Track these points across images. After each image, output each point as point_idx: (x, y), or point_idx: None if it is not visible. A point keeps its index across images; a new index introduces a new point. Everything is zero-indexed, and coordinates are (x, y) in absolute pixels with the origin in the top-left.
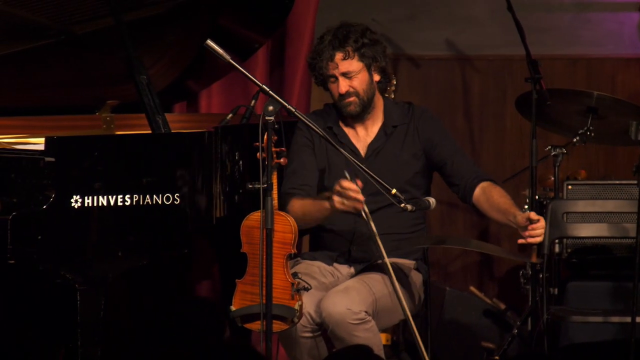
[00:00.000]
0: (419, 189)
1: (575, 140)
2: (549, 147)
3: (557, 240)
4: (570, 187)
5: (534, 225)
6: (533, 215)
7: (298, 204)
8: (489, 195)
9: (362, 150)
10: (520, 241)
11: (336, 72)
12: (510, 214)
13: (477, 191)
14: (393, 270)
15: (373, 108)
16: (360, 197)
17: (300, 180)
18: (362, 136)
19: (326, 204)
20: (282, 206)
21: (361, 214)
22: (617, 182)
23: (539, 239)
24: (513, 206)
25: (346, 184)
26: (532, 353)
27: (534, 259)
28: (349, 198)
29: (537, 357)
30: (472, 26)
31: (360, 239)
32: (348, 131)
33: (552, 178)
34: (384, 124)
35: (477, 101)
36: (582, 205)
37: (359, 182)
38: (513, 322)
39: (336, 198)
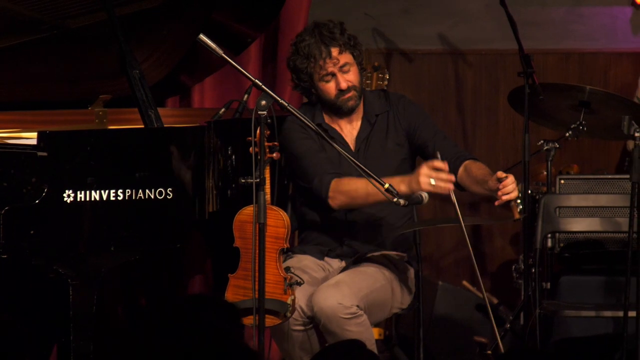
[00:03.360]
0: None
1: (567, 134)
2: (542, 141)
3: (549, 235)
4: (562, 181)
5: (504, 182)
6: (500, 173)
7: (360, 183)
8: (469, 172)
9: (351, 144)
10: (497, 203)
11: (335, 69)
12: (485, 183)
13: (460, 170)
14: (384, 262)
15: (361, 100)
16: (452, 177)
17: (332, 163)
18: (348, 130)
19: (402, 186)
20: (319, 184)
21: (450, 197)
22: (610, 176)
23: (513, 194)
24: (488, 175)
25: (438, 164)
26: (524, 347)
27: (517, 215)
28: (441, 179)
29: (530, 351)
30: (465, 20)
31: (351, 232)
32: (334, 127)
33: (545, 172)
34: (366, 114)
35: (469, 96)
36: (574, 200)
37: (446, 163)
38: (505, 317)
39: (424, 179)
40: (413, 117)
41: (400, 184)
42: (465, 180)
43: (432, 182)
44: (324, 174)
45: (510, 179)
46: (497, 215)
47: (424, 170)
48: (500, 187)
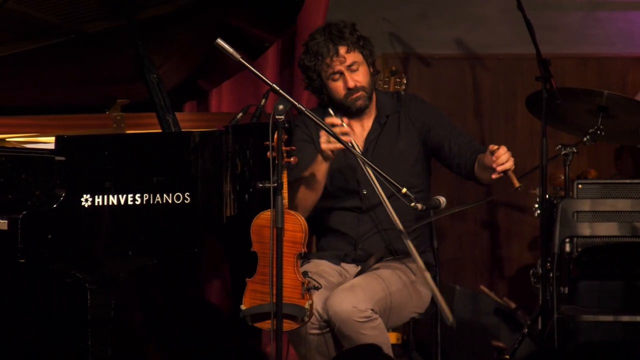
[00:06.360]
0: (419, 177)
1: (585, 139)
2: (559, 146)
3: (567, 239)
4: (580, 186)
5: (497, 154)
6: (491, 147)
7: (297, 183)
8: (478, 162)
9: (361, 145)
10: (494, 176)
11: (342, 67)
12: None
13: (475, 165)
14: (400, 267)
15: (371, 102)
16: (346, 129)
17: (302, 172)
18: (359, 132)
19: (318, 157)
20: (292, 196)
21: (350, 148)
22: (628, 181)
23: (508, 164)
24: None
25: (330, 120)
26: (542, 352)
27: (516, 184)
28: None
29: (548, 356)
30: (482, 25)
31: (365, 236)
32: None
33: (563, 177)
34: (377, 115)
35: (487, 100)
36: (592, 204)
37: (345, 119)
38: (523, 321)
39: (322, 139)
40: (426, 117)
41: (317, 159)
42: (478, 172)
43: (331, 139)
44: (290, 184)
45: (503, 149)
46: (499, 192)
47: (322, 134)
48: (494, 158)
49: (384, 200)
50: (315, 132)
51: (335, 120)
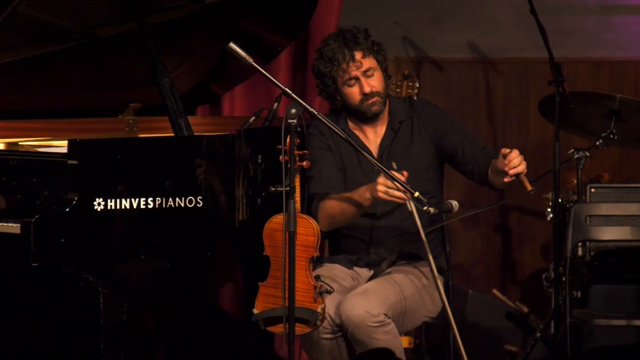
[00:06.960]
0: (432, 182)
1: (598, 143)
2: (572, 150)
3: (580, 243)
4: (593, 190)
5: (509, 157)
6: (503, 150)
7: (334, 202)
8: (492, 168)
9: (374, 152)
10: (507, 179)
11: (358, 73)
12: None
13: (489, 170)
14: (412, 271)
15: (385, 107)
16: (402, 194)
17: (329, 182)
18: (372, 137)
19: (367, 194)
20: (312, 208)
21: (406, 206)
22: None
23: (520, 167)
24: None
25: (394, 175)
26: (555, 356)
27: (528, 187)
28: (394, 189)
29: None
30: (495, 29)
31: (378, 240)
32: (358, 134)
33: (575, 181)
34: (391, 121)
35: (500, 104)
36: (605, 208)
37: (405, 173)
38: (536, 326)
39: (380, 187)
40: (439, 123)
41: (365, 191)
42: (492, 178)
43: (390, 191)
44: (316, 195)
45: (515, 152)
46: (511, 195)
47: (381, 179)
48: (506, 162)
49: (412, 208)
50: (331, 139)
51: (399, 175)
